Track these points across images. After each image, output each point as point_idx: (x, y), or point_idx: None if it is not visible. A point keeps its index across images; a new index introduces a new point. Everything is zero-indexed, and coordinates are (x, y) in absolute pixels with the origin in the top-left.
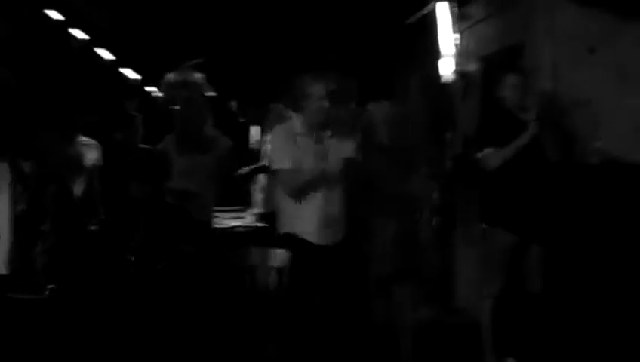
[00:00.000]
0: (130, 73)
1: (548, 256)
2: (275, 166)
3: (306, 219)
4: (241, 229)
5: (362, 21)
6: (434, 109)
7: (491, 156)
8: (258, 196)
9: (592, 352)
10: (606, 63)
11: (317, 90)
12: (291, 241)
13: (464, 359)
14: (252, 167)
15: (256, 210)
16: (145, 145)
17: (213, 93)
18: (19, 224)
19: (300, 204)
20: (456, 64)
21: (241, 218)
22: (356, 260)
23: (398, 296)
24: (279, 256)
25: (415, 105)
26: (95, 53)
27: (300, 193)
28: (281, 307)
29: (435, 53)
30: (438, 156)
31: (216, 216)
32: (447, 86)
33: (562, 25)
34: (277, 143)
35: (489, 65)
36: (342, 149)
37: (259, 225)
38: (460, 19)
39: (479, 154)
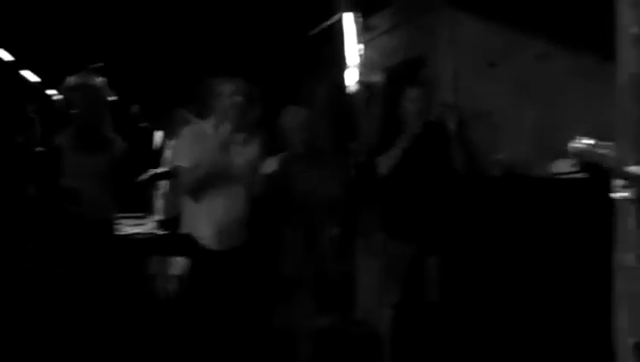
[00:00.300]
0: (29, 75)
1: (446, 266)
2: (176, 163)
3: (205, 223)
4: (141, 236)
5: (268, 29)
6: (338, 119)
7: (382, 161)
8: (159, 203)
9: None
10: (507, 77)
11: (228, 88)
12: (189, 247)
13: None
14: (153, 172)
15: (157, 217)
16: (42, 148)
17: (114, 98)
18: None
19: (199, 204)
20: (361, 74)
21: (142, 225)
22: (257, 265)
23: (300, 303)
24: (179, 264)
25: (320, 114)
26: None
27: (196, 190)
28: (180, 315)
29: (339, 63)
30: (342, 165)
31: (117, 223)
32: (351, 96)
33: (464, 38)
34: (182, 143)
35: (392, 76)
36: (248, 152)
37: (159, 232)
38: (364, 30)
39: (375, 161)
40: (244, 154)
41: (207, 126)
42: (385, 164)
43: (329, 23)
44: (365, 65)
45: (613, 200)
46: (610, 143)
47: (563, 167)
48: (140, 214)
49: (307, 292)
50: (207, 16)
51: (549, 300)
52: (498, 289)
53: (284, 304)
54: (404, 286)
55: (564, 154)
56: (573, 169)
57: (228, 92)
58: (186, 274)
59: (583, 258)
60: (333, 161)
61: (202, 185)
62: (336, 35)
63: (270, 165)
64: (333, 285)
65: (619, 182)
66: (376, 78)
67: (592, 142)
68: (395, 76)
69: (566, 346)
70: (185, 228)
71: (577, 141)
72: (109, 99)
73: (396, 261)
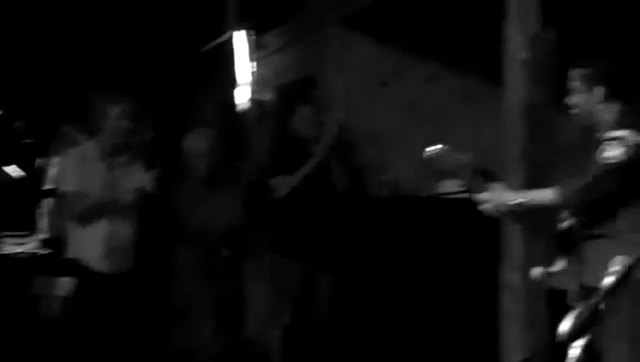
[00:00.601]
0: None
1: (336, 285)
2: (61, 188)
3: (91, 246)
4: (24, 255)
5: (158, 46)
6: (229, 137)
7: (280, 183)
8: (43, 221)
9: None
10: (397, 98)
11: (115, 110)
12: (76, 269)
13: None
14: (38, 190)
15: (41, 236)
16: None
17: None
18: None
19: (86, 229)
20: (252, 92)
21: (25, 243)
22: (148, 289)
23: (196, 324)
24: (64, 285)
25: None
26: None
27: (83, 218)
28: (65, 337)
29: (231, 81)
30: (239, 186)
31: None
32: (242, 114)
33: (355, 58)
34: (67, 166)
35: (284, 94)
36: (135, 178)
37: (43, 251)
38: (256, 48)
39: (271, 182)
40: (130, 176)
41: (92, 148)
42: (285, 185)
43: (220, 40)
44: (257, 83)
45: (500, 220)
46: (464, 152)
47: (450, 186)
48: (23, 233)
49: (203, 314)
50: (98, 30)
51: (438, 318)
52: (388, 307)
53: (180, 326)
54: (294, 305)
55: (451, 174)
56: (460, 189)
57: (114, 115)
58: (71, 296)
59: (470, 277)
60: (231, 183)
61: (89, 213)
62: (227, 52)
63: (150, 184)
64: (227, 306)
65: (485, 195)
66: (268, 96)
67: (445, 147)
68: (286, 94)
69: None
70: (71, 250)
71: (432, 147)
72: None
73: (287, 281)
